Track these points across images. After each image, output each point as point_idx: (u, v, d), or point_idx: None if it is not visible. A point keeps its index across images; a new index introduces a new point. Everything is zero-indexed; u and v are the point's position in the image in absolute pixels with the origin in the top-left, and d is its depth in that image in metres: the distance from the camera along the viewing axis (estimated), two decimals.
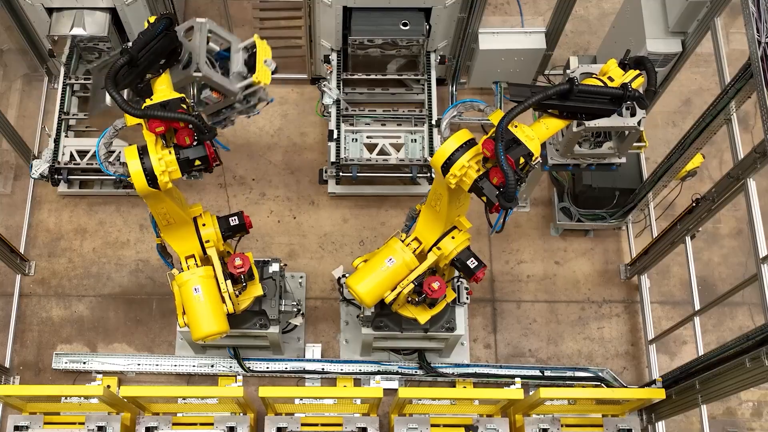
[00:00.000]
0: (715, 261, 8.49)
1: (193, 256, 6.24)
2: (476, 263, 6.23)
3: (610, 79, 5.43)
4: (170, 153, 5.30)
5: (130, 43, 5.44)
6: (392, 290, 6.27)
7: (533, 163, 5.17)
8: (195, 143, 5.28)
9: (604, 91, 5.29)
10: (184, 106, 5.26)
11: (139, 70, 5.32)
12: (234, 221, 6.33)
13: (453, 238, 6.22)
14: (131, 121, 5.31)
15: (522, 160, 5.10)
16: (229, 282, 6.25)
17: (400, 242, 6.33)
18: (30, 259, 8.36)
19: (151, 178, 5.28)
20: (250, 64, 6.13)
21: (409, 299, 6.40)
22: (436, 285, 6.25)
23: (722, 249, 8.54)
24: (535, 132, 5.27)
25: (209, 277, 6.19)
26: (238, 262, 6.26)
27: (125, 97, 5.37)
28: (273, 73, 6.07)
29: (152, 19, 5.50)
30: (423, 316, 6.61)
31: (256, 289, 6.64)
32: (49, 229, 8.54)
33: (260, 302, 6.86)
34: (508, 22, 9.39)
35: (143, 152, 5.30)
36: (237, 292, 6.40)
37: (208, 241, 6.23)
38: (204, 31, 5.90)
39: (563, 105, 5.26)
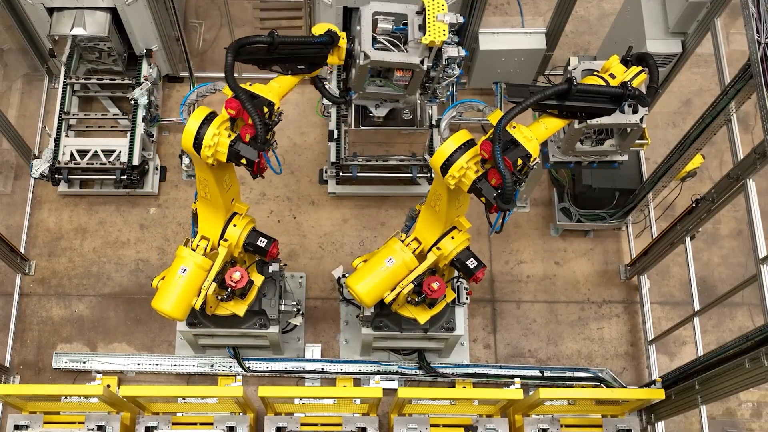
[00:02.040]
0: (715, 261, 8.49)
1: (209, 240, 6.24)
2: (476, 263, 6.23)
3: (612, 76, 5.41)
4: (228, 137, 5.33)
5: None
6: (392, 290, 6.27)
7: (531, 165, 5.16)
8: (252, 144, 5.30)
9: (603, 91, 5.28)
10: (266, 110, 5.29)
11: (269, 57, 5.38)
12: (261, 242, 6.29)
13: (453, 238, 6.22)
14: (227, 92, 5.31)
15: (520, 161, 5.09)
16: (214, 284, 6.21)
17: (400, 242, 6.33)
18: (30, 259, 8.36)
19: (198, 143, 5.32)
20: (424, 27, 5.83)
21: (409, 299, 6.40)
22: (435, 285, 6.25)
23: (722, 249, 8.54)
24: (534, 132, 5.26)
25: (202, 269, 6.19)
26: (236, 276, 6.24)
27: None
28: (452, 28, 5.69)
29: (318, 29, 5.52)
30: (422, 316, 6.61)
31: (237, 308, 6.61)
32: (50, 228, 8.54)
33: (260, 302, 6.86)
34: (509, 22, 9.40)
35: (208, 119, 5.33)
36: (219, 297, 6.37)
37: (226, 240, 6.22)
38: (367, 15, 5.80)
39: (562, 105, 5.26)
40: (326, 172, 8.54)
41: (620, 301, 8.36)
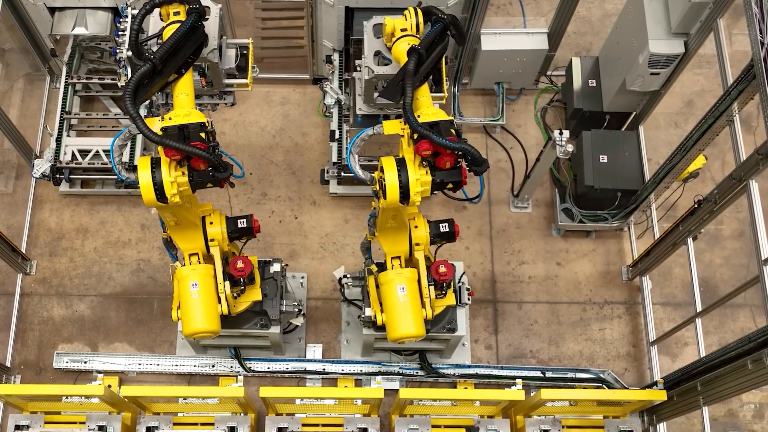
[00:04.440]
0: (717, 262, 8.47)
1: (197, 254, 6.22)
2: (446, 225, 6.33)
3: (404, 30, 5.70)
4: (183, 174, 5.20)
5: (153, 46, 5.31)
6: (423, 307, 6.29)
7: (458, 128, 5.30)
8: (210, 171, 5.19)
9: (433, 37, 5.52)
10: (203, 135, 5.09)
11: (163, 76, 5.18)
12: (242, 223, 6.27)
13: (416, 227, 6.27)
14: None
15: (452, 130, 5.22)
16: (227, 283, 6.21)
17: (390, 270, 6.31)
18: (31, 259, 8.36)
19: (161, 192, 5.17)
20: (242, 66, 6.10)
21: (236, 294, 6.43)
22: (443, 269, 6.32)
23: (724, 250, 8.52)
24: (428, 107, 5.40)
25: (209, 276, 6.16)
26: (240, 264, 6.25)
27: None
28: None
29: (175, 9, 5.30)
30: (450, 299, 6.67)
31: (254, 294, 6.60)
32: (51, 228, 8.54)
33: (261, 302, 6.86)
34: (511, 22, 9.39)
35: (156, 165, 5.16)
36: (235, 294, 6.37)
37: (212, 240, 6.20)
38: (217, 16, 5.85)
39: (425, 72, 5.50)
40: (328, 172, 8.53)
41: (622, 302, 8.35)
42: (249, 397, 6.77)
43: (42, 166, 8.04)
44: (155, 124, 5.12)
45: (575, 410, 7.28)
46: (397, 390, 7.40)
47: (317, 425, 7.08)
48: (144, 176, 5.13)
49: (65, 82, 8.36)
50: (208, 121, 5.21)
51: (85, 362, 7.87)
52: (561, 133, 7.02)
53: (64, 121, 8.24)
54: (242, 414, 7.06)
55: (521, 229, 8.60)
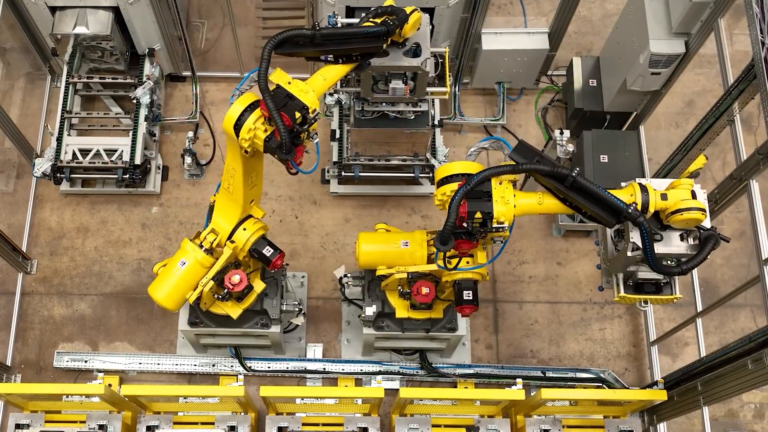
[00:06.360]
0: (718, 263, 8.47)
1: (217, 235, 6.24)
2: (272, 251, 6.26)
3: (664, 197, 5.19)
4: (265, 131, 5.23)
5: (324, 22, 5.49)
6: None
7: (311, 117, 5.19)
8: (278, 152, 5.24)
9: (600, 196, 5.07)
10: (298, 115, 5.12)
11: (316, 48, 5.29)
12: (267, 251, 6.25)
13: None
14: (275, 79, 5.24)
15: (479, 214, 5.32)
16: (212, 283, 6.22)
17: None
18: (32, 258, 8.36)
19: (237, 128, 5.23)
20: (441, 74, 6.13)
21: (218, 296, 6.44)
22: (236, 278, 6.30)
23: (725, 251, 8.51)
24: (524, 201, 5.43)
25: (201, 265, 6.20)
26: (235, 279, 6.27)
27: None
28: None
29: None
30: (234, 311, 6.62)
31: (232, 310, 6.61)
32: (51, 227, 8.54)
33: (262, 302, 6.86)
34: (511, 22, 9.39)
35: (252, 107, 5.21)
36: (217, 296, 6.39)
37: (233, 241, 6.21)
38: (429, 26, 5.88)
39: (557, 188, 5.18)
40: (328, 171, 8.53)
41: None
42: (249, 397, 6.77)
43: (43, 165, 8.04)
44: (282, 78, 5.23)
45: (575, 410, 7.28)
46: (398, 389, 7.39)
47: (317, 425, 7.07)
48: (236, 108, 5.24)
49: (66, 81, 8.36)
50: (313, 110, 5.24)
51: (86, 361, 7.88)
52: (562, 133, 7.04)
53: (64, 120, 8.25)
54: (242, 413, 7.06)
55: (522, 229, 8.59)
